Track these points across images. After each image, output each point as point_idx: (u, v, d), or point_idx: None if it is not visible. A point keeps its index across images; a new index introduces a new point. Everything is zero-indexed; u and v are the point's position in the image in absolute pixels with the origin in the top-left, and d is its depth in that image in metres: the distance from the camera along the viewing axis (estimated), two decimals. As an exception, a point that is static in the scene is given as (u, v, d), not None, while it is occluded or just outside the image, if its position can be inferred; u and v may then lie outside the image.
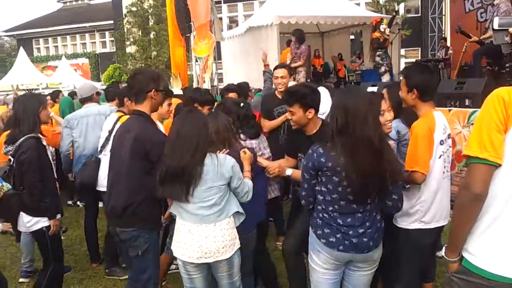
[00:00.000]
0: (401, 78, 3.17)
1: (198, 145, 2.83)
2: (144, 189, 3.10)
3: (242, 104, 3.63)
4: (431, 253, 3.27)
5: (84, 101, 5.36)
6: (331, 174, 2.61)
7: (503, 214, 1.88)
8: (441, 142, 2.94)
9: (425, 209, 2.99)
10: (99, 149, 4.69)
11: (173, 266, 4.53)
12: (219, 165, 2.87)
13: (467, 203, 1.90)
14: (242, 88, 4.27)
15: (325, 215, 2.69)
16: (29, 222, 3.75)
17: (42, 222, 3.76)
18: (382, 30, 9.49)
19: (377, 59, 9.52)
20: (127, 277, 4.57)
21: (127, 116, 4.46)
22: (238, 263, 3.03)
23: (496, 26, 5.97)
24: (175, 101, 4.91)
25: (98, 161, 4.63)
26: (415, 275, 3.13)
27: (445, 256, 2.08)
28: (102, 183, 4.37)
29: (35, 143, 3.66)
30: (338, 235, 2.64)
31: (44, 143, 3.85)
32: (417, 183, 2.91)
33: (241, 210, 3.03)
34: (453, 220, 2.02)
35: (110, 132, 4.51)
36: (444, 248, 2.10)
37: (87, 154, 4.96)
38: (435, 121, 2.93)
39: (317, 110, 3.30)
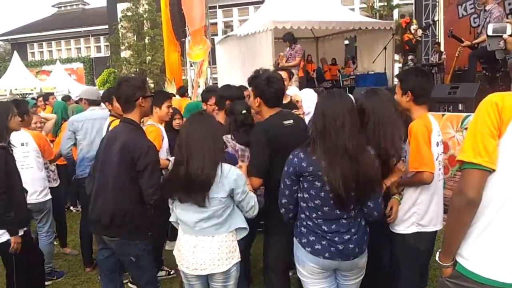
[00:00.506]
0: (396, 81, 3.21)
1: (214, 150, 2.76)
2: (131, 198, 3.03)
3: (243, 111, 3.54)
4: (428, 258, 3.26)
5: (89, 103, 5.34)
6: (313, 179, 2.57)
7: (497, 219, 1.87)
8: (437, 144, 2.96)
9: (423, 211, 2.97)
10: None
11: (162, 273, 4.53)
12: (222, 176, 2.77)
13: (461, 208, 1.90)
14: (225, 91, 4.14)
15: (309, 222, 2.64)
16: None
17: (7, 235, 3.52)
18: (413, 31, 9.05)
19: (410, 63, 9.07)
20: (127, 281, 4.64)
21: (117, 121, 4.50)
22: (235, 276, 2.94)
23: (490, 32, 6.00)
24: (176, 103, 4.90)
25: None
26: (415, 282, 3.11)
27: (438, 261, 2.07)
28: None
29: (2, 153, 3.48)
30: (323, 242, 2.59)
31: (13, 153, 3.71)
32: (427, 183, 2.89)
33: (245, 225, 2.95)
34: (447, 225, 2.02)
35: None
36: (438, 253, 2.10)
37: (90, 157, 4.89)
38: (431, 122, 2.95)
39: (265, 100, 3.21)
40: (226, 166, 2.82)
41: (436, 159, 2.93)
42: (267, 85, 3.18)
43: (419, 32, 8.72)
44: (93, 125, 5.02)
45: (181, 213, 2.85)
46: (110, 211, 3.07)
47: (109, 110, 4.99)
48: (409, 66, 8.80)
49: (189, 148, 2.74)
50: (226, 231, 2.85)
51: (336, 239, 2.57)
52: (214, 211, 2.78)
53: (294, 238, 2.75)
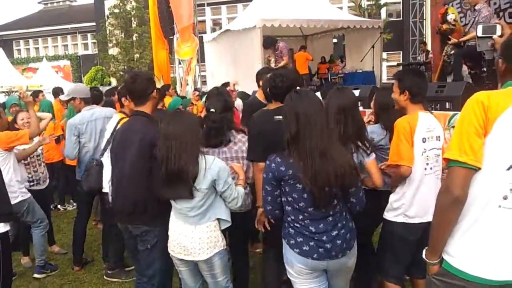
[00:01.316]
0: (394, 81, 3.29)
1: (192, 145, 2.84)
2: (150, 186, 3.13)
3: (211, 110, 3.43)
4: (420, 248, 3.28)
5: (85, 102, 5.11)
6: (294, 182, 2.58)
7: (483, 217, 1.89)
8: (424, 140, 3.05)
9: (408, 203, 3.10)
10: (101, 151, 4.56)
11: None
12: (206, 168, 2.85)
13: (447, 205, 1.92)
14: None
15: (296, 224, 2.64)
16: None
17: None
18: (450, 20, 8.65)
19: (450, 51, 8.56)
20: (125, 280, 4.73)
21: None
22: (220, 265, 3.01)
23: (480, 33, 6.03)
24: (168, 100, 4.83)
25: (101, 165, 4.49)
26: (396, 268, 3.23)
27: (425, 258, 2.10)
28: (105, 185, 4.32)
29: None
30: (311, 243, 2.60)
31: None
32: (404, 176, 3.04)
33: (224, 217, 3.00)
34: (433, 223, 2.04)
35: (112, 134, 4.45)
36: (424, 250, 2.12)
37: (86, 159, 4.90)
38: (417, 120, 3.05)
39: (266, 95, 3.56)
40: (209, 158, 2.91)
41: (422, 154, 3.04)
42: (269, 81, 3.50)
43: (458, 23, 8.31)
44: (96, 125, 4.91)
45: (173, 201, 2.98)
46: (132, 200, 3.22)
47: (122, 107, 4.82)
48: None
49: (169, 147, 2.81)
50: (207, 221, 2.93)
51: (324, 238, 2.59)
52: (196, 202, 2.88)
53: (283, 239, 2.75)
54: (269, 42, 9.62)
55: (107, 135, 4.60)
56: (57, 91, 9.01)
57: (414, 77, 3.16)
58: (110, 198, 3.61)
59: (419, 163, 3.06)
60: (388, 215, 3.22)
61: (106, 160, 4.47)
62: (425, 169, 3.09)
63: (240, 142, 3.45)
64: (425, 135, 3.06)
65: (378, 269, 3.39)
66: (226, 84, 5.12)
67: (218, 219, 3.00)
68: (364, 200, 2.72)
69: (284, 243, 2.75)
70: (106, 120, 4.86)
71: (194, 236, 2.92)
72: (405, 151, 3.00)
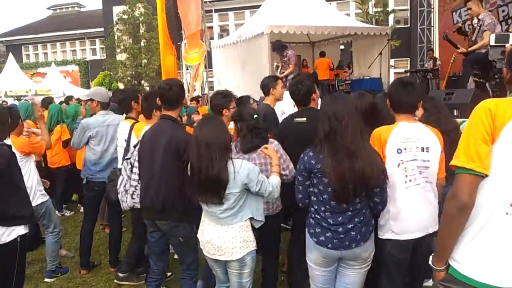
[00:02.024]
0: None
1: (221, 151, 2.96)
2: (177, 185, 3.40)
3: (255, 116, 3.57)
4: (415, 267, 3.16)
5: (102, 106, 5.15)
6: (321, 176, 2.83)
7: (490, 224, 1.90)
8: (399, 151, 2.93)
9: (392, 219, 2.97)
10: (120, 160, 4.60)
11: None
12: (235, 172, 2.97)
13: (454, 212, 1.92)
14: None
15: (317, 215, 2.90)
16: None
17: (17, 231, 3.52)
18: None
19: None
20: (133, 283, 4.78)
21: (141, 123, 4.57)
22: (250, 265, 3.15)
23: (492, 42, 6.05)
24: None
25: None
26: (395, 286, 3.11)
27: (432, 265, 2.10)
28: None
29: (8, 151, 3.50)
30: (327, 234, 2.85)
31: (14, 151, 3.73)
32: None
33: (256, 216, 3.13)
34: (440, 230, 2.06)
35: (128, 141, 4.52)
36: (431, 257, 2.12)
37: (103, 163, 4.97)
38: (392, 129, 2.97)
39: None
40: (237, 162, 3.03)
41: (398, 166, 2.92)
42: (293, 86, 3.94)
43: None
44: (107, 131, 4.97)
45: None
46: (161, 198, 3.48)
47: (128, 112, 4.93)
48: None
49: (201, 155, 2.95)
50: (239, 221, 3.06)
51: (340, 229, 2.81)
52: (228, 204, 3.01)
53: (306, 228, 3.01)
54: (277, 46, 9.66)
55: (121, 142, 4.64)
56: (69, 98, 9.41)
57: (398, 87, 3.11)
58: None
59: (396, 175, 2.93)
60: (379, 232, 3.06)
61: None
62: (405, 182, 2.93)
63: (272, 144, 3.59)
64: (400, 145, 2.93)
65: None
66: (247, 97, 5.24)
67: (251, 219, 3.13)
68: (387, 201, 2.89)
69: (306, 231, 3.01)
70: (116, 128, 4.94)
71: (227, 236, 3.05)
72: None
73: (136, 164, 3.96)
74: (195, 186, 3.01)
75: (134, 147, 4.13)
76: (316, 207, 2.91)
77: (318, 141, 2.85)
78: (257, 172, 3.05)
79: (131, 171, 4.04)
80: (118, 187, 4.19)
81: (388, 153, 2.94)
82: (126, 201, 4.07)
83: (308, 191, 2.97)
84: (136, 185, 3.98)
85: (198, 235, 3.28)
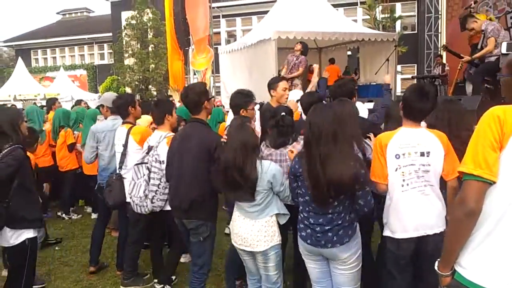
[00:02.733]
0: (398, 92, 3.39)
1: (252, 152, 3.29)
2: (206, 186, 3.61)
3: (283, 113, 3.78)
4: (416, 266, 3.26)
5: (112, 112, 5.27)
6: (303, 179, 3.06)
7: (497, 230, 1.90)
8: (397, 156, 3.07)
9: (390, 219, 3.18)
10: (118, 165, 4.72)
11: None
12: (263, 172, 3.28)
13: (462, 218, 1.92)
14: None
15: (302, 214, 3.17)
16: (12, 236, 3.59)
17: (26, 234, 3.61)
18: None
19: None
20: (142, 287, 4.81)
21: (139, 127, 4.69)
22: (274, 260, 3.41)
23: (504, 51, 6.11)
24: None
25: (121, 179, 4.64)
26: (395, 283, 3.26)
27: (437, 270, 2.10)
28: (128, 195, 4.54)
29: (22, 153, 3.59)
30: (308, 231, 3.10)
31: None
32: (381, 192, 3.21)
33: (282, 211, 3.43)
34: (446, 236, 2.05)
35: (125, 145, 4.60)
36: (436, 262, 2.12)
37: (112, 168, 5.04)
38: (392, 136, 3.12)
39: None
40: (265, 163, 3.35)
41: (396, 171, 3.08)
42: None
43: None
44: (110, 135, 5.05)
45: None
46: (190, 198, 3.65)
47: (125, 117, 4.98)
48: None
49: (235, 156, 3.23)
50: (265, 216, 3.36)
51: (318, 229, 3.04)
52: (257, 201, 3.32)
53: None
54: (304, 45, 9.74)
55: (119, 147, 4.70)
56: (78, 102, 9.58)
57: (414, 94, 3.15)
58: (134, 206, 4.22)
59: (395, 179, 3.10)
60: (384, 230, 3.28)
61: (125, 172, 4.59)
62: (402, 185, 3.09)
63: (298, 145, 3.71)
64: (398, 151, 3.07)
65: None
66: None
67: (276, 215, 3.40)
68: (372, 203, 3.02)
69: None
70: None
71: (253, 229, 3.35)
72: (376, 168, 3.17)
73: (153, 169, 4.09)
74: (228, 185, 3.29)
75: (147, 153, 4.19)
76: (301, 207, 3.18)
77: (303, 147, 3.09)
78: (283, 175, 3.38)
79: (149, 176, 4.13)
80: (130, 192, 4.27)
81: (388, 158, 3.11)
82: (147, 206, 4.16)
83: (296, 192, 3.23)
84: (157, 190, 4.11)
85: (230, 226, 3.58)
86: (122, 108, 4.96)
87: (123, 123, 4.87)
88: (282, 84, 5.06)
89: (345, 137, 2.93)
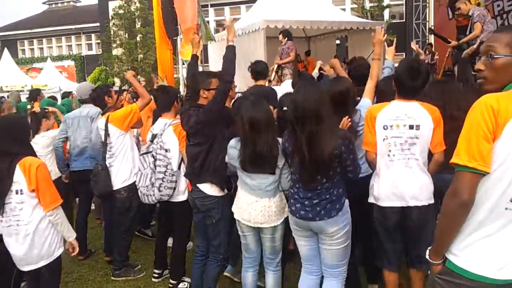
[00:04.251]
0: None
1: (274, 127, 3.38)
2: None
3: (284, 108, 3.77)
4: (406, 235, 3.36)
5: (83, 102, 5.49)
6: (292, 157, 3.14)
7: (489, 218, 1.91)
8: (385, 127, 3.19)
9: (376, 186, 3.31)
10: (102, 155, 4.74)
11: (184, 285, 4.56)
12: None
13: (455, 209, 1.93)
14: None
15: (293, 189, 3.24)
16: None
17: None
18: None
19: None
20: (125, 278, 4.81)
21: (116, 112, 4.72)
22: (282, 229, 3.47)
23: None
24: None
25: (106, 168, 4.64)
26: (384, 253, 3.42)
27: (428, 259, 2.11)
28: (114, 182, 4.66)
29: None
30: (297, 205, 3.17)
31: None
32: (370, 159, 3.35)
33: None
34: (439, 226, 2.04)
35: (105, 135, 4.63)
36: (428, 250, 2.13)
37: (74, 153, 5.26)
38: (383, 107, 3.24)
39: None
40: (280, 140, 3.35)
41: (383, 141, 3.21)
42: None
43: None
44: (78, 122, 5.23)
45: (247, 178, 3.42)
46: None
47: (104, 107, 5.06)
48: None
49: (254, 130, 3.25)
50: (279, 192, 3.43)
51: (306, 202, 3.12)
52: (275, 178, 3.37)
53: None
54: (285, 32, 9.65)
55: (103, 139, 4.71)
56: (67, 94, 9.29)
57: (405, 72, 3.24)
58: (142, 196, 4.24)
59: (381, 149, 3.23)
60: (369, 198, 3.42)
61: (113, 160, 4.59)
62: (388, 155, 3.21)
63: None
64: (387, 122, 3.18)
65: (375, 255, 3.59)
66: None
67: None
68: (360, 167, 3.18)
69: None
70: (84, 119, 5.22)
71: (270, 205, 3.38)
72: (366, 137, 3.31)
73: (158, 156, 4.09)
74: (250, 159, 3.30)
75: (151, 141, 4.18)
76: (293, 183, 3.26)
77: (290, 125, 3.13)
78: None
79: (155, 164, 4.12)
80: (138, 182, 4.27)
81: (376, 129, 3.23)
82: (154, 194, 4.15)
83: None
84: (163, 177, 4.09)
85: (233, 208, 3.59)
86: (98, 99, 5.07)
87: (102, 114, 4.90)
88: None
89: (328, 115, 2.99)
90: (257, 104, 3.35)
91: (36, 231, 3.22)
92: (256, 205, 3.40)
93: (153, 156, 4.14)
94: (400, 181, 3.20)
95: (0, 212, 3.18)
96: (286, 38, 9.57)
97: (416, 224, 3.22)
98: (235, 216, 3.57)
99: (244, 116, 3.28)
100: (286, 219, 3.41)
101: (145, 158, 4.23)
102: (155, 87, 7.00)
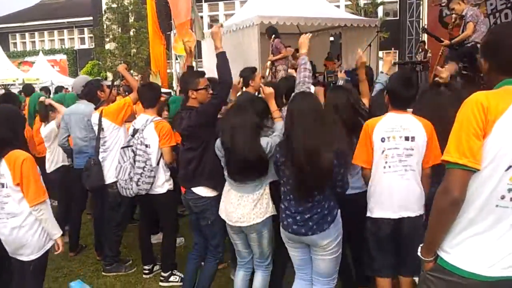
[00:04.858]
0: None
1: (256, 133, 3.28)
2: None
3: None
4: (397, 246, 3.38)
5: (79, 97, 5.38)
6: (284, 168, 3.08)
7: (480, 215, 1.92)
8: (382, 140, 3.18)
9: (370, 199, 3.32)
10: (95, 149, 4.73)
11: (175, 278, 4.57)
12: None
13: (445, 207, 1.94)
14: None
15: (284, 203, 3.18)
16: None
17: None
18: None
19: None
20: (116, 273, 4.81)
21: (109, 106, 4.74)
22: (267, 233, 3.46)
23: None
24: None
25: (99, 163, 4.65)
26: (375, 262, 3.40)
27: (420, 256, 2.13)
28: (107, 177, 4.67)
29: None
30: (289, 220, 3.12)
31: None
32: (365, 174, 3.34)
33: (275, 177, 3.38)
34: (430, 223, 2.05)
35: (98, 129, 4.63)
36: (419, 247, 2.15)
37: (75, 150, 5.17)
38: (378, 120, 3.22)
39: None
40: (264, 140, 3.30)
41: (382, 153, 3.19)
42: None
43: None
44: (74, 119, 5.10)
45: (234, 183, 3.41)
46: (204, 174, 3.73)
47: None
48: None
49: (232, 131, 3.24)
50: (265, 186, 3.39)
51: (298, 217, 3.07)
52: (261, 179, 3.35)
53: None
54: (269, 31, 9.60)
55: (96, 134, 4.71)
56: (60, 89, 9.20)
57: (398, 83, 3.27)
58: (120, 189, 4.23)
59: (379, 161, 3.21)
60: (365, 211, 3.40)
61: (106, 154, 4.58)
62: (384, 167, 3.20)
63: None
64: (384, 135, 3.18)
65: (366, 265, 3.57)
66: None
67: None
68: (347, 185, 3.15)
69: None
70: (78, 117, 5.07)
71: (251, 203, 3.36)
72: (361, 153, 3.29)
73: (138, 151, 4.10)
74: (234, 170, 3.32)
75: (132, 135, 4.18)
76: (283, 196, 3.20)
77: (284, 133, 3.13)
78: (266, 140, 3.31)
79: (134, 159, 4.13)
80: (117, 175, 4.28)
81: (374, 141, 3.20)
82: (132, 188, 4.17)
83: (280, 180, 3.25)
84: (142, 172, 4.12)
85: (220, 210, 3.58)
86: (90, 95, 5.02)
87: (95, 108, 4.86)
88: (259, 74, 5.23)
89: (326, 124, 2.99)
90: (239, 112, 3.34)
91: (24, 224, 3.20)
92: (240, 203, 3.40)
93: (133, 151, 4.17)
94: (396, 193, 3.20)
95: None
96: (273, 36, 9.53)
97: (408, 234, 3.24)
98: (222, 217, 3.58)
99: (228, 124, 3.31)
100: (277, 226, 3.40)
101: (125, 151, 4.25)
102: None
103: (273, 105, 3.57)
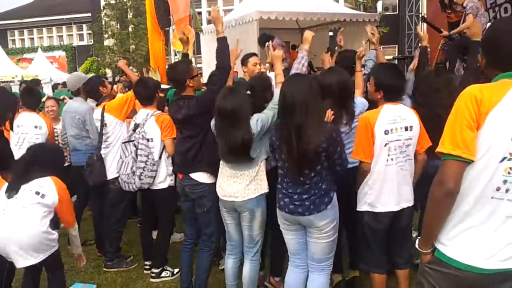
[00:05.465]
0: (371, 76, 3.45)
1: (247, 118, 3.28)
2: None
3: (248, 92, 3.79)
4: (393, 238, 3.42)
5: (74, 94, 5.33)
6: (280, 152, 3.10)
7: (476, 207, 1.94)
8: (386, 132, 3.17)
9: (374, 194, 3.29)
10: (97, 145, 4.75)
11: (166, 273, 4.58)
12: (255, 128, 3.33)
13: (441, 198, 1.96)
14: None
15: (281, 184, 3.21)
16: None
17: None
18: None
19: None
20: (118, 269, 4.83)
21: (112, 101, 4.75)
22: (259, 217, 3.47)
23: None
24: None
25: (101, 159, 4.66)
26: (372, 256, 3.44)
27: (418, 248, 2.15)
28: (109, 172, 4.70)
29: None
30: (286, 200, 3.14)
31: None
32: (365, 170, 3.29)
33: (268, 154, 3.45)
34: (426, 215, 2.08)
35: (101, 124, 4.65)
36: (417, 240, 2.17)
37: (70, 147, 5.17)
38: (378, 113, 3.20)
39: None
40: (253, 118, 3.33)
41: (385, 146, 3.19)
42: None
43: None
44: (68, 117, 5.11)
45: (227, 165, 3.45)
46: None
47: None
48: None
49: (225, 121, 3.28)
50: (259, 163, 3.42)
51: (295, 197, 3.09)
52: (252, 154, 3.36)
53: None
54: (261, 40, 9.51)
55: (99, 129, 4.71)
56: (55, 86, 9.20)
57: (391, 79, 3.27)
58: (122, 184, 4.28)
59: (382, 154, 3.21)
60: (358, 205, 3.41)
61: (109, 150, 4.60)
62: (387, 160, 3.22)
63: None
64: (387, 127, 3.18)
65: (361, 260, 3.63)
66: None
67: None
68: (347, 161, 3.14)
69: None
70: (71, 115, 5.05)
71: (244, 179, 3.39)
72: (360, 146, 3.27)
73: (140, 146, 4.13)
74: (225, 151, 3.34)
75: (134, 130, 4.19)
76: (280, 178, 3.22)
77: (280, 115, 3.13)
78: (256, 117, 3.35)
79: (136, 153, 4.16)
80: (119, 170, 4.32)
81: (376, 135, 3.20)
82: (134, 183, 4.20)
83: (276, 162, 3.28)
84: (144, 166, 4.15)
85: (217, 181, 3.58)
86: (92, 91, 5.02)
87: (97, 105, 4.88)
88: (252, 60, 5.15)
89: (317, 107, 3.00)
90: (231, 94, 3.35)
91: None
92: (235, 180, 3.43)
93: (135, 145, 4.20)
94: (394, 186, 3.24)
95: None
96: (266, 44, 9.40)
97: (406, 225, 3.32)
98: (218, 194, 3.58)
99: (216, 106, 3.33)
100: (271, 215, 3.41)
101: (127, 146, 4.28)
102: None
103: (278, 68, 3.64)
